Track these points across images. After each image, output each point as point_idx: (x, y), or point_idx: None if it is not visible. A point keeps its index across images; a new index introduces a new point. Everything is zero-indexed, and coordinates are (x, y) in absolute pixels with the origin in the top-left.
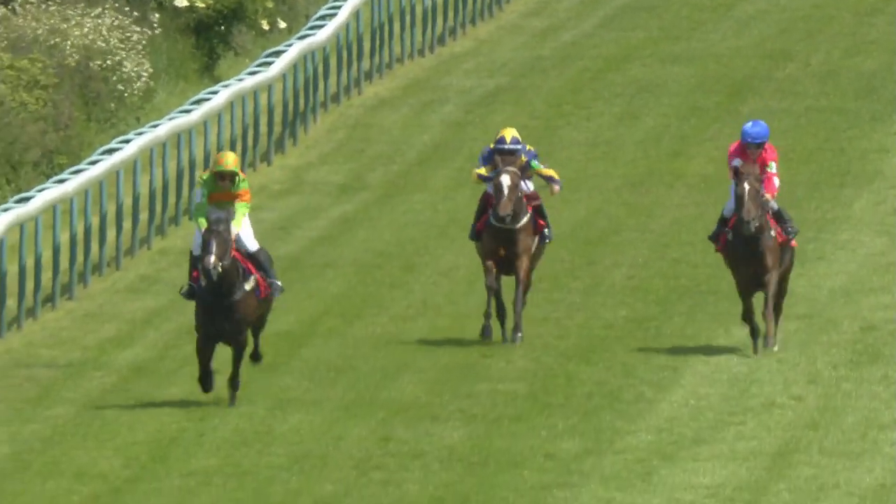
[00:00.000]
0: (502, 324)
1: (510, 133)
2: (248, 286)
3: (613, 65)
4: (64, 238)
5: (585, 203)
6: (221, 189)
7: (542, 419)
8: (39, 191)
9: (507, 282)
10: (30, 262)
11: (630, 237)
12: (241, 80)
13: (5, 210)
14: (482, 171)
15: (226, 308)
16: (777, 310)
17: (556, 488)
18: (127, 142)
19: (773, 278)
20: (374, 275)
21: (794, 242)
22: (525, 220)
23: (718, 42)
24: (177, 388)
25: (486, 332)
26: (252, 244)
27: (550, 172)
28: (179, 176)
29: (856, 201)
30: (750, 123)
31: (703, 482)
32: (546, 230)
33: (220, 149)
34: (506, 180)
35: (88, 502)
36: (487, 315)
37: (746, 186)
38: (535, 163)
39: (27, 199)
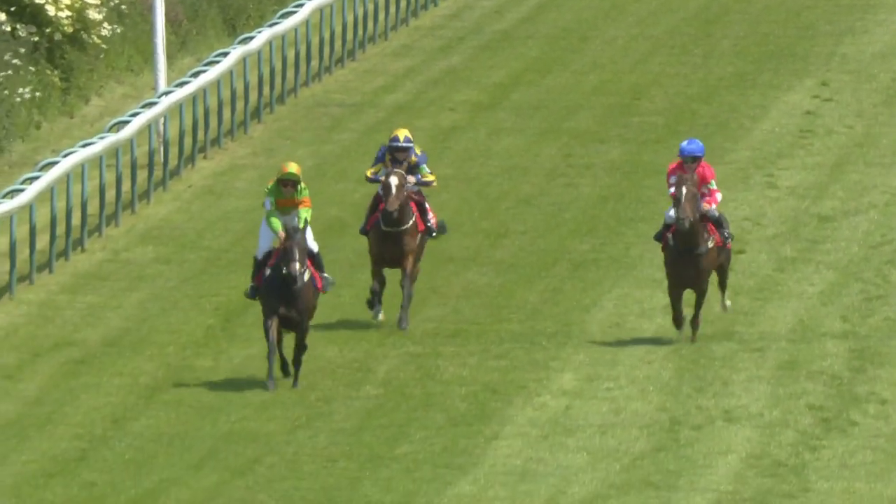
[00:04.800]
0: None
1: (403, 133)
2: (306, 277)
3: None
4: (278, 66)
5: None
6: (286, 196)
7: (675, 139)
8: (259, 32)
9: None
10: (253, 80)
11: (734, 17)
12: None
13: (234, 49)
14: (370, 171)
15: (292, 295)
16: (722, 286)
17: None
18: None
19: (703, 284)
20: (560, 43)
21: (728, 244)
22: (410, 223)
23: None
24: (426, 119)
25: (375, 312)
26: (314, 245)
27: (431, 178)
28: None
29: None
30: (686, 142)
31: (784, 184)
32: (430, 223)
33: None
34: (394, 180)
35: (365, 200)
36: (372, 304)
37: (683, 189)
38: (423, 167)
39: (250, 39)
